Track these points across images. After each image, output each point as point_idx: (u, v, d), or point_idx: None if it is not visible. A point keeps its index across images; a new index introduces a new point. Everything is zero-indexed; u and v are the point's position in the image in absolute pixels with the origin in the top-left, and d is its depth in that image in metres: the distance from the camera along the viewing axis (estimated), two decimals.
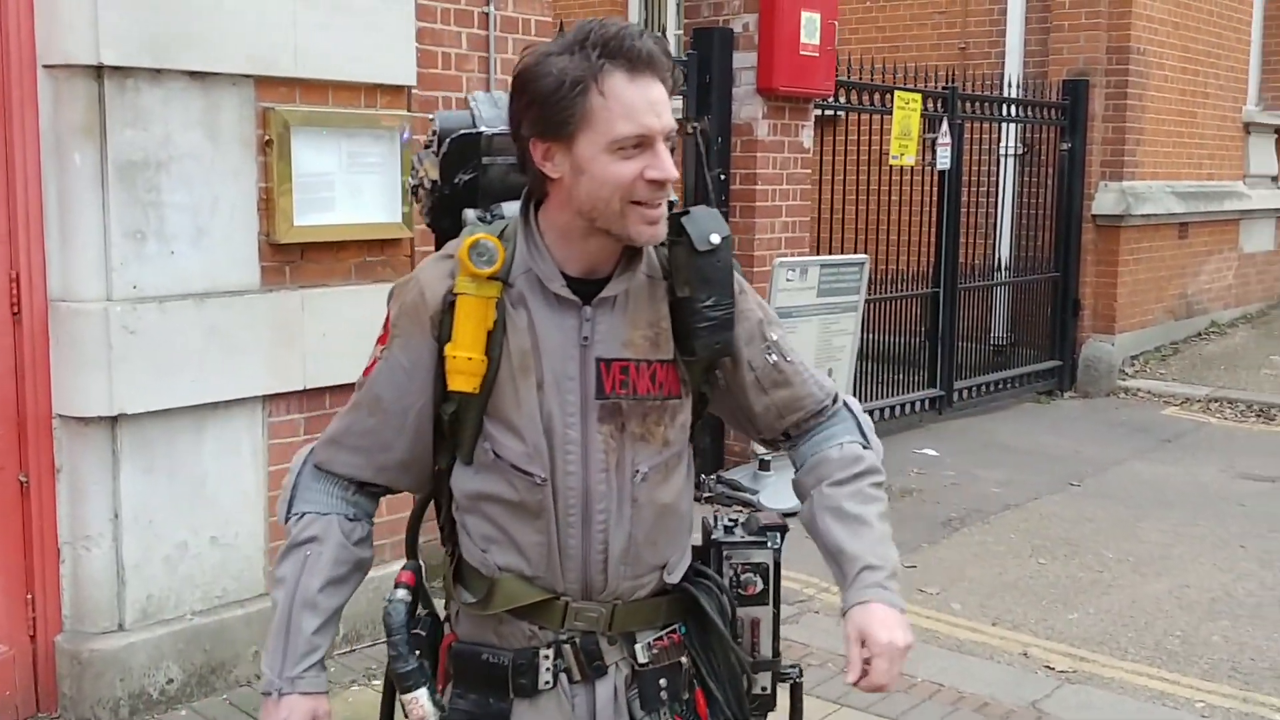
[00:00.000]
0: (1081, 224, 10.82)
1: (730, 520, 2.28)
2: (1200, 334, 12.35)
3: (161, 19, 4.20)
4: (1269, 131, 13.68)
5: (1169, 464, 8.51)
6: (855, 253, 8.18)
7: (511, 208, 2.13)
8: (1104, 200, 10.82)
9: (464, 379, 1.97)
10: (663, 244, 2.06)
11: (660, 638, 2.13)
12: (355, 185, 4.84)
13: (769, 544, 2.23)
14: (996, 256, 10.65)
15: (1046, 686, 4.89)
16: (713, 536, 2.23)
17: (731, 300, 2.06)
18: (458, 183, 2.18)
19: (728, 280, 2.05)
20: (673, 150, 2.04)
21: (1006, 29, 11.20)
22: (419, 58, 5.13)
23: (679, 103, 2.22)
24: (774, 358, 2.17)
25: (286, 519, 2.14)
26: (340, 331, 4.79)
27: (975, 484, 7.85)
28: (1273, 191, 13.77)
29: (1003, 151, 10.60)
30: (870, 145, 8.68)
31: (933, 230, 9.56)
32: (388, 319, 2.07)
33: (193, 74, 4.33)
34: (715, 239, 2.02)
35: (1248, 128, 13.14)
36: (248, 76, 4.50)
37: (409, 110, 5.05)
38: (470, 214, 2.15)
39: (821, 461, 2.21)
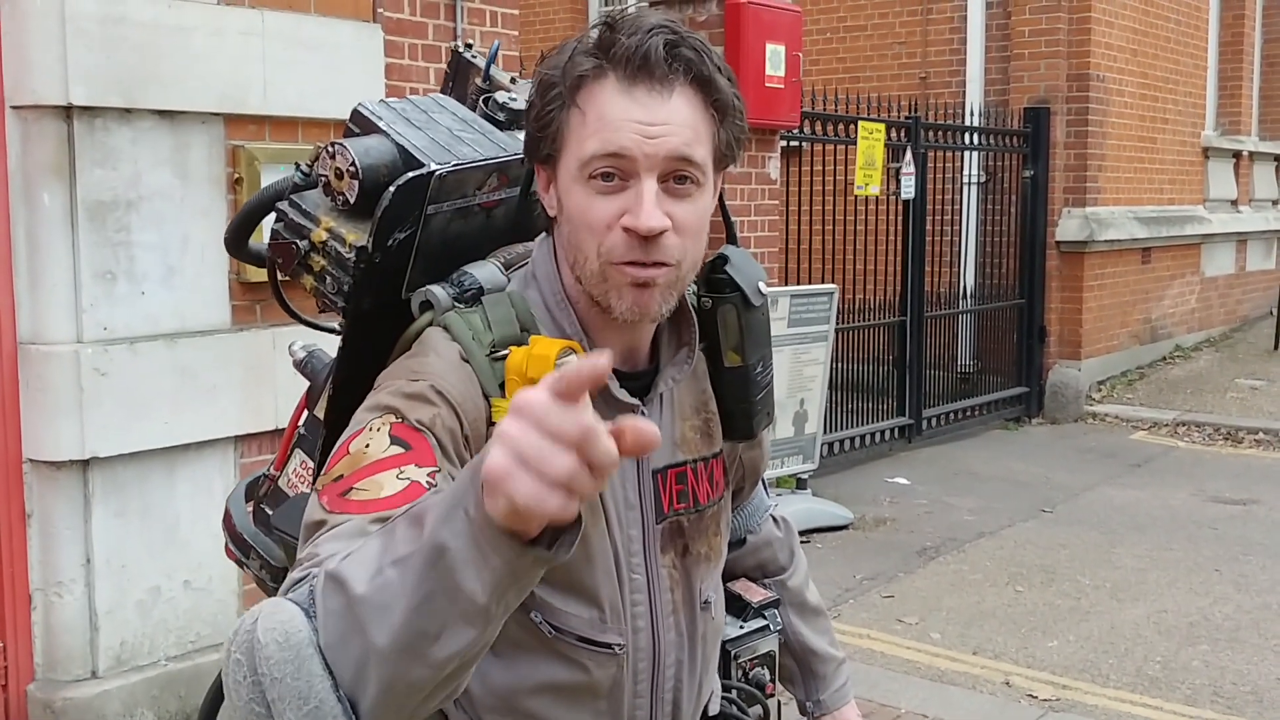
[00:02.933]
0: (1045, 250, 10.88)
1: None
2: (1165, 358, 12.43)
3: (130, 58, 4.16)
4: (1227, 156, 13.83)
5: (1140, 489, 8.54)
6: (823, 283, 8.19)
7: (484, 273, 1.58)
8: (1067, 226, 10.89)
9: None
10: (699, 302, 1.64)
11: None
12: None
13: (772, 626, 1.92)
14: (962, 284, 10.69)
15: (1031, 715, 4.87)
16: None
17: (772, 357, 1.71)
18: (391, 245, 1.58)
19: (769, 335, 1.70)
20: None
21: (967, 58, 11.27)
22: (387, 93, 5.09)
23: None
24: None
25: (307, 611, 1.16)
26: None
27: (948, 512, 7.84)
28: (1232, 215, 13.92)
29: (966, 180, 10.67)
30: (835, 175, 8.71)
31: (898, 259, 9.58)
32: (405, 425, 1.38)
33: (162, 113, 4.29)
34: (764, 287, 1.65)
35: (1206, 152, 13.28)
36: (217, 115, 4.46)
37: None
38: (439, 292, 1.55)
39: (766, 543, 1.97)
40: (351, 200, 1.58)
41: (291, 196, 1.65)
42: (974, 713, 4.88)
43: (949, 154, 10.24)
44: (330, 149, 1.59)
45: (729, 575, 1.92)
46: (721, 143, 1.49)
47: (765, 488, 1.96)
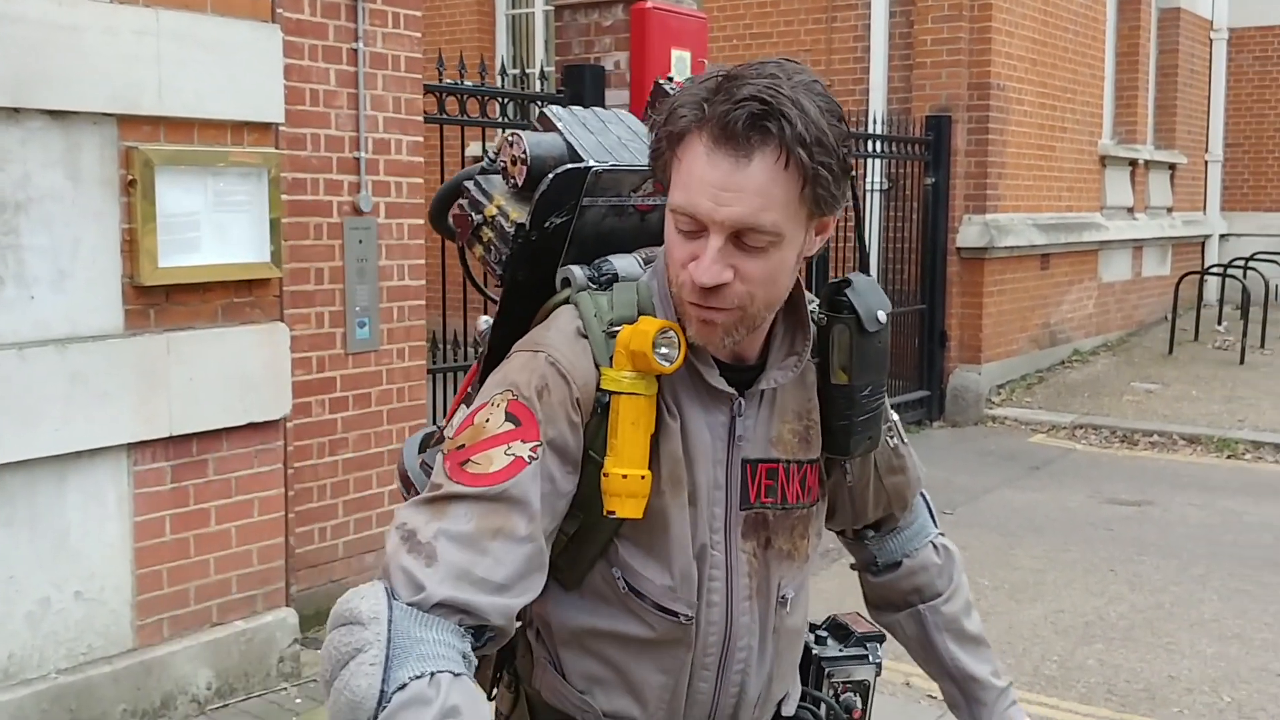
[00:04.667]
0: (946, 256, 11.01)
1: (819, 627, 2.04)
2: (1064, 362, 12.66)
3: (19, 57, 4.06)
4: (1124, 164, 14.11)
5: (1038, 491, 8.68)
6: None
7: (623, 263, 1.76)
8: (968, 233, 11.04)
9: (630, 503, 1.59)
10: (816, 317, 1.77)
11: None
12: (222, 225, 4.72)
13: (870, 658, 2.00)
14: None
15: (930, 715, 4.93)
16: (813, 651, 1.97)
17: (885, 387, 1.80)
18: (548, 227, 1.77)
19: (885, 364, 1.79)
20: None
21: (870, 67, 11.39)
22: (286, 94, 5.03)
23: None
24: (894, 440, 1.94)
25: (382, 695, 1.43)
26: (208, 376, 4.66)
27: None
28: (1129, 222, 14.21)
29: (869, 187, 10.77)
30: None
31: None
32: (520, 401, 1.61)
33: (52, 113, 4.19)
34: (883, 316, 1.73)
35: (1104, 160, 13.55)
36: (109, 115, 4.36)
37: (276, 147, 4.95)
38: (578, 272, 1.74)
39: (923, 568, 2.03)
40: (520, 184, 1.79)
41: (478, 177, 1.87)
42: (875, 714, 4.91)
43: (853, 161, 10.31)
44: (510, 139, 1.81)
45: (885, 600, 2.06)
46: (809, 200, 1.58)
47: (933, 517, 2.06)
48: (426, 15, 6.79)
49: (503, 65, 6.94)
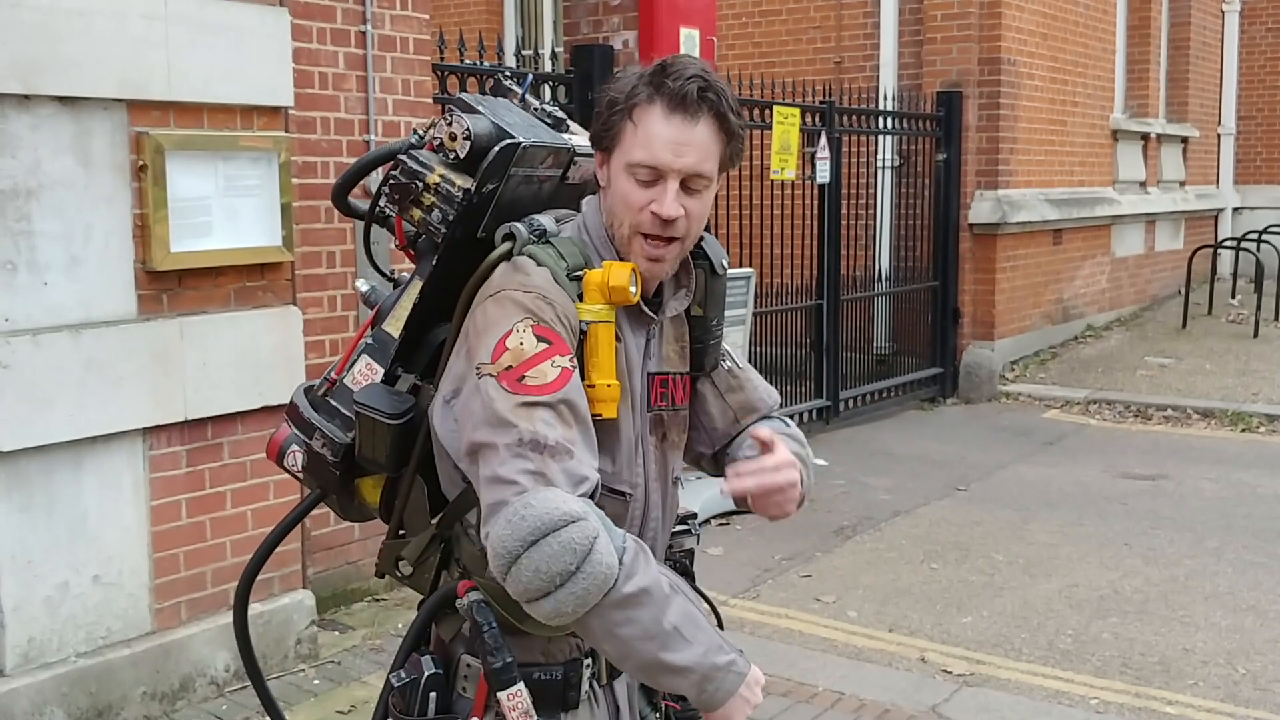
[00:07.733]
0: (959, 233, 11.00)
1: None
2: (1077, 337, 12.63)
3: (29, 43, 4.07)
4: (1135, 138, 14.05)
5: (1052, 466, 8.67)
6: (740, 267, 8.22)
7: (546, 221, 2.12)
8: (980, 209, 11.01)
9: (610, 406, 2.01)
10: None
11: None
12: (233, 209, 4.73)
13: (692, 531, 2.44)
14: (877, 267, 10.78)
15: (945, 690, 4.94)
16: None
17: (724, 319, 2.29)
18: (485, 191, 2.13)
19: (725, 302, 2.29)
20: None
21: (880, 42, 11.35)
22: (295, 78, 5.03)
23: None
24: (728, 363, 2.35)
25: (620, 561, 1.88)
26: (221, 360, 4.68)
27: (865, 492, 7.92)
28: (1141, 197, 14.14)
29: (880, 164, 10.74)
30: (751, 160, 8.70)
31: (815, 243, 9.65)
32: (544, 326, 1.96)
33: (62, 99, 4.20)
34: (726, 263, 2.26)
35: (1115, 135, 13.48)
36: (120, 101, 4.37)
37: (286, 131, 4.96)
38: (521, 228, 2.09)
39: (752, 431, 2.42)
40: (461, 156, 2.09)
41: (412, 151, 2.14)
42: (889, 689, 4.94)
43: (863, 138, 10.31)
44: (448, 118, 2.11)
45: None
46: (726, 156, 2.10)
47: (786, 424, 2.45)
48: None
49: (518, 46, 6.92)
